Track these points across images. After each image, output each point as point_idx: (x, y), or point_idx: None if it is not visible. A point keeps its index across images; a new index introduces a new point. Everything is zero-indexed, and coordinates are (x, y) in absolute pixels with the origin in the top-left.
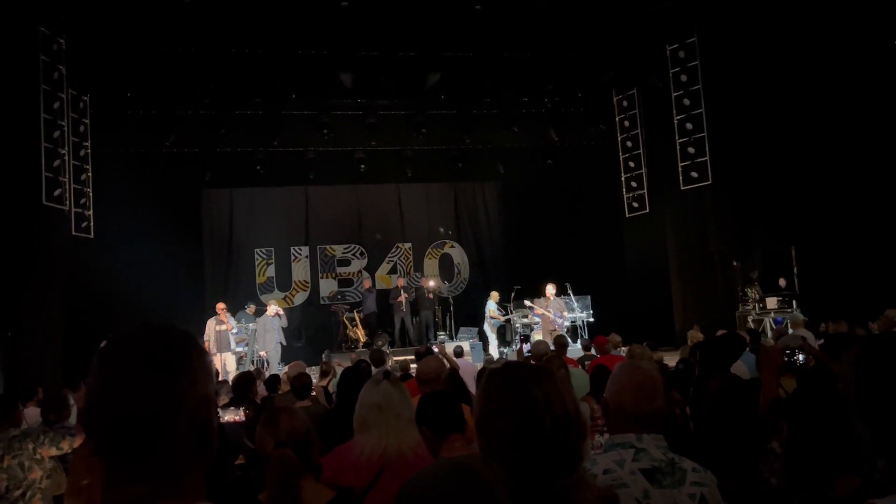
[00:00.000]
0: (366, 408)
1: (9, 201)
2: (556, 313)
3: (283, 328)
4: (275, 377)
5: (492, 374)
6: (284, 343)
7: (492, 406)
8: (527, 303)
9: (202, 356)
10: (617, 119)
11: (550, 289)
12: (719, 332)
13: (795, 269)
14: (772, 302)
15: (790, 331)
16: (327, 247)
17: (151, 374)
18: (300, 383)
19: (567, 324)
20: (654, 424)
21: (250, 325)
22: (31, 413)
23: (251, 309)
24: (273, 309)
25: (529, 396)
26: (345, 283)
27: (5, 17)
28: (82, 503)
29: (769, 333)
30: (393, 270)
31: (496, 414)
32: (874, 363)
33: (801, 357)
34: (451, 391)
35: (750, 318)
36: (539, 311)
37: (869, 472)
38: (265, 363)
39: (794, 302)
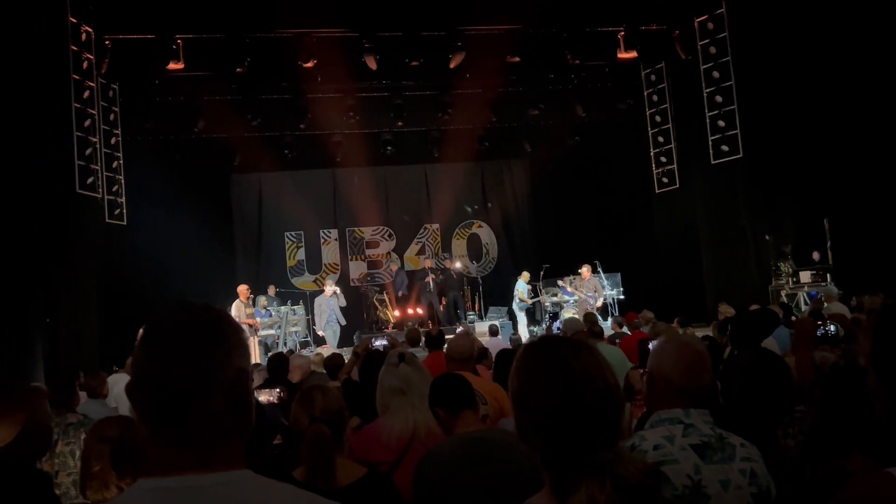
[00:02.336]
0: (387, 392)
1: (43, 190)
2: (587, 293)
3: (340, 307)
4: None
5: (530, 347)
6: (343, 322)
7: (531, 380)
8: (559, 283)
9: (238, 332)
10: (645, 94)
11: (585, 269)
12: (752, 307)
13: (829, 242)
14: (805, 276)
15: (825, 305)
16: (356, 229)
17: (190, 346)
18: (332, 364)
19: (598, 303)
20: (702, 399)
21: (282, 308)
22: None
23: (272, 290)
24: (330, 289)
25: (569, 368)
26: (373, 264)
27: (35, 9)
28: (95, 488)
29: (803, 308)
30: (421, 251)
31: (536, 387)
32: (890, 333)
33: (832, 328)
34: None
35: (783, 293)
36: (572, 290)
37: (885, 451)
38: (296, 346)
39: (828, 275)
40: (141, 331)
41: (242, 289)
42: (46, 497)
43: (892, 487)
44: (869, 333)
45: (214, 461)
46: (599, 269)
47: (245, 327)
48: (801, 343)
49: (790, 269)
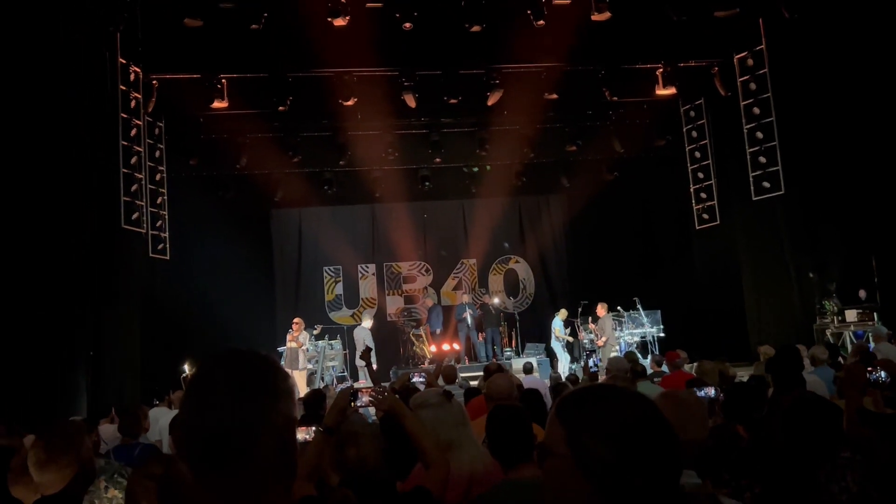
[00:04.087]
0: (450, 426)
1: (91, 226)
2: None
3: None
4: (321, 396)
5: (586, 398)
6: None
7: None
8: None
9: (286, 379)
10: (684, 130)
11: (600, 309)
12: (763, 348)
13: (876, 280)
14: (851, 314)
15: (872, 345)
16: (393, 264)
17: (240, 392)
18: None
19: (600, 341)
20: (687, 455)
21: (320, 342)
22: (107, 430)
23: (317, 330)
24: (369, 322)
25: (628, 425)
26: (410, 299)
27: (87, 50)
28: None
29: (849, 347)
30: (458, 287)
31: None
32: None
33: (882, 374)
34: (523, 408)
35: (828, 332)
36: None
37: None
38: (333, 381)
39: (875, 314)
40: (189, 375)
41: (296, 321)
42: None
43: None
44: None
45: None
46: (639, 306)
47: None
48: (851, 388)
49: (835, 308)
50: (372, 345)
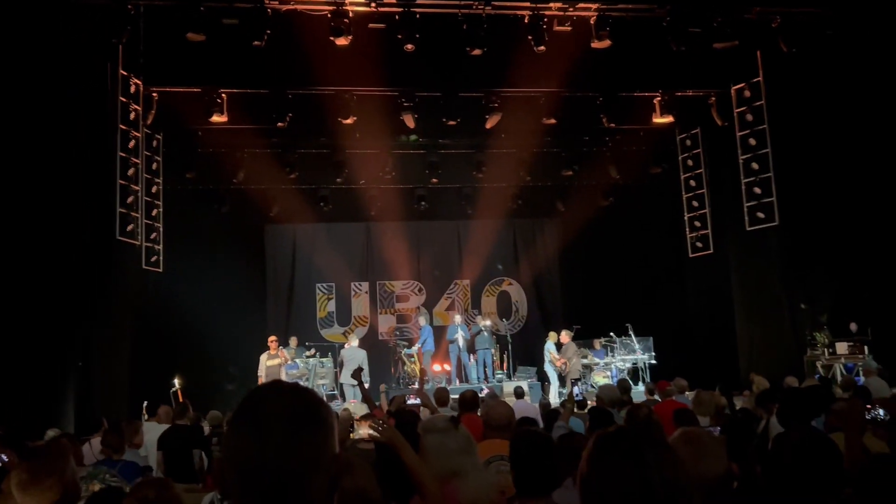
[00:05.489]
0: (455, 453)
1: (86, 237)
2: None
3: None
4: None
5: (604, 436)
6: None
7: (603, 468)
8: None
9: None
10: (680, 158)
11: (564, 334)
12: (788, 379)
13: (868, 314)
14: (842, 347)
15: (861, 378)
16: (386, 282)
17: (300, 429)
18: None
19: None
20: (702, 491)
21: (311, 360)
22: (97, 444)
23: (294, 342)
24: (355, 343)
25: (643, 460)
26: (402, 318)
27: (89, 62)
28: None
29: (839, 380)
30: (451, 307)
31: (608, 477)
32: None
33: (881, 412)
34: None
35: (819, 364)
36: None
37: None
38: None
39: (865, 348)
40: (238, 408)
41: (272, 340)
42: None
43: None
44: None
45: None
46: (631, 332)
47: (265, 376)
48: (852, 424)
49: (826, 340)
50: (365, 365)
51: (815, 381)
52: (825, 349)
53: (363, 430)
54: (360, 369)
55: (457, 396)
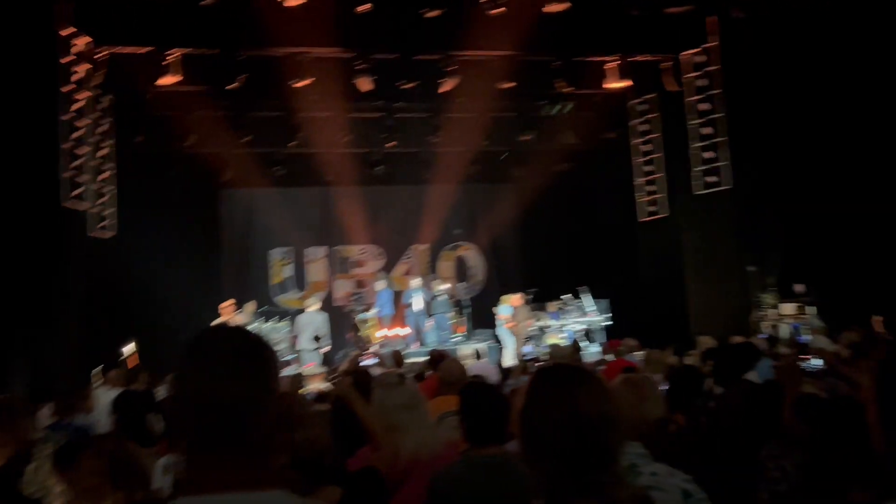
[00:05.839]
0: (393, 409)
1: (29, 203)
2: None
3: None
4: None
5: (541, 371)
6: (329, 343)
7: (538, 400)
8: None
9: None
10: (634, 123)
11: (516, 300)
12: (733, 339)
13: (813, 276)
14: (788, 308)
15: (807, 338)
16: (343, 247)
17: (243, 368)
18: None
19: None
20: (642, 432)
21: (264, 325)
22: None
23: (251, 306)
24: (317, 306)
25: (574, 393)
26: (360, 283)
27: (27, 18)
28: (90, 500)
29: (785, 338)
30: (408, 272)
31: (542, 408)
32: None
33: (816, 362)
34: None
35: (766, 324)
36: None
37: (881, 484)
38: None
39: (811, 308)
40: (187, 349)
41: (223, 306)
42: None
43: None
44: (872, 369)
45: (258, 481)
46: (586, 295)
47: None
48: (788, 379)
49: (773, 301)
50: (326, 328)
51: (756, 339)
52: (772, 310)
53: (313, 386)
54: (316, 338)
55: (420, 359)
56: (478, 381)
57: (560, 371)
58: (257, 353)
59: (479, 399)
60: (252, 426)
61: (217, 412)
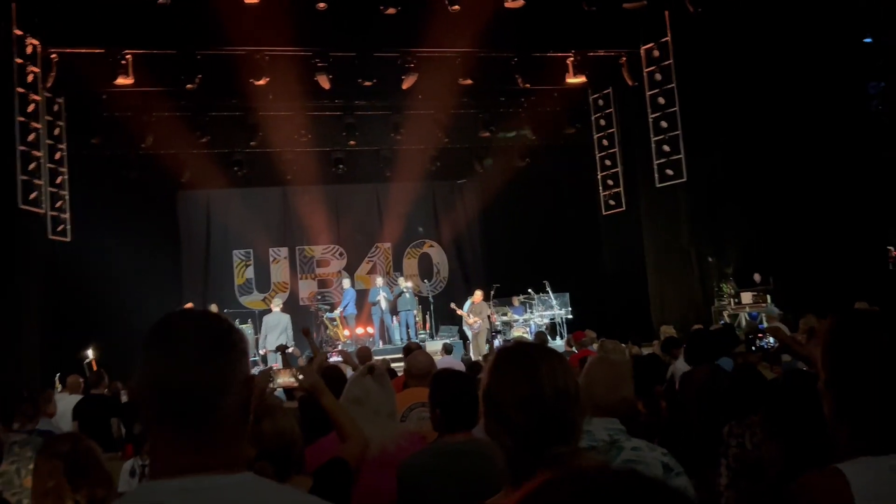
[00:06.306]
0: (346, 401)
1: None
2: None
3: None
4: None
5: (503, 349)
6: (292, 343)
7: (502, 377)
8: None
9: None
10: (593, 118)
11: (477, 294)
12: (694, 327)
13: (770, 265)
14: (747, 297)
15: (764, 324)
16: (306, 247)
17: (208, 350)
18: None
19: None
20: (619, 411)
21: None
22: None
23: (214, 308)
24: (279, 307)
25: (536, 368)
26: (324, 283)
27: None
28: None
29: (743, 326)
30: (372, 270)
31: (505, 384)
32: (842, 339)
33: (771, 340)
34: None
35: (725, 314)
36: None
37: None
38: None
39: (768, 296)
40: (151, 332)
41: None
42: None
43: (839, 480)
44: (823, 339)
45: (224, 463)
46: (549, 289)
47: None
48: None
49: (732, 291)
50: (290, 330)
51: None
52: (731, 299)
53: (282, 380)
54: (283, 347)
55: (380, 358)
56: (448, 369)
57: (522, 348)
58: (225, 336)
59: (450, 385)
60: (218, 410)
61: (183, 396)
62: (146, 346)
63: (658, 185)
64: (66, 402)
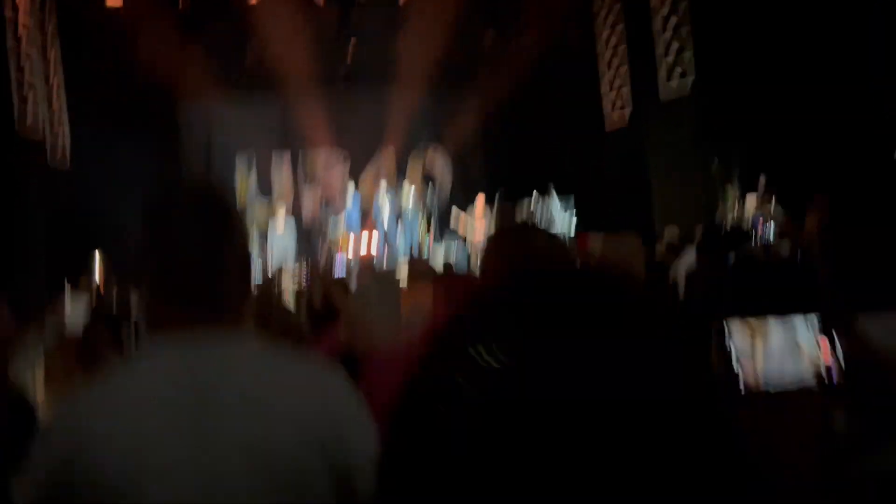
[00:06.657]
0: (355, 302)
1: None
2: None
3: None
4: None
5: (500, 229)
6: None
7: (497, 251)
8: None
9: (239, 212)
10: (599, 27)
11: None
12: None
13: (776, 167)
14: (751, 199)
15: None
16: (308, 153)
17: (216, 216)
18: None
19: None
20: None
21: None
22: None
23: None
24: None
25: (531, 242)
26: (327, 189)
27: None
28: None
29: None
30: (375, 177)
31: (500, 256)
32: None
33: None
34: None
35: (730, 216)
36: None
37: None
38: None
39: (773, 198)
40: (153, 202)
41: None
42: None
43: None
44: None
45: (227, 326)
46: (553, 193)
47: None
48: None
49: (737, 193)
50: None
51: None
52: (736, 202)
53: (287, 284)
54: None
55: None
56: (451, 267)
57: (518, 226)
58: (227, 210)
59: (454, 279)
60: (216, 285)
61: (184, 267)
62: (147, 218)
63: (665, 94)
64: (77, 305)
